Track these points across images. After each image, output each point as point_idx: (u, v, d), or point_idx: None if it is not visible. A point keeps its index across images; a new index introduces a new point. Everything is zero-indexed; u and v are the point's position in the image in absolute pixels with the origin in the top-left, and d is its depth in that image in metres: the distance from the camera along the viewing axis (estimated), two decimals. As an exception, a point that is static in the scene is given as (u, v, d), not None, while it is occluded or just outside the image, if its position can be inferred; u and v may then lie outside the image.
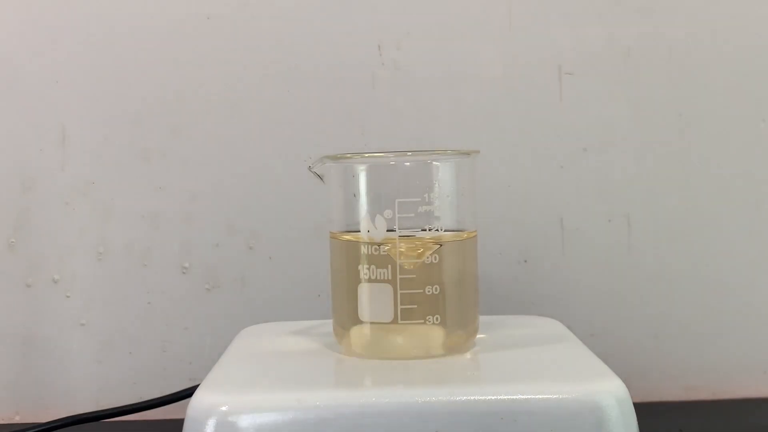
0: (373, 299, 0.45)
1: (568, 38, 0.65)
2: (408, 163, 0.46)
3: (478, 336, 0.48)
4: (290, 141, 0.65)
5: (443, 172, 0.46)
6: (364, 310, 0.45)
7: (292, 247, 0.65)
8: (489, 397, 0.39)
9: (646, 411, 0.43)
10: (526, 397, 0.39)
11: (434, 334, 0.45)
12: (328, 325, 0.49)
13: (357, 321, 0.45)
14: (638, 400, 0.42)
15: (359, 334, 0.46)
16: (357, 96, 0.65)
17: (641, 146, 0.66)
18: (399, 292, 0.44)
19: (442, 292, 0.45)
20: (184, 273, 0.65)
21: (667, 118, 0.66)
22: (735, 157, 0.66)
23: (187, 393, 0.54)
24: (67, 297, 0.65)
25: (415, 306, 0.44)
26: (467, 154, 0.47)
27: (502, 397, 0.39)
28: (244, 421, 0.39)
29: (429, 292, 0.45)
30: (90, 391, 0.65)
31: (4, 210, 0.64)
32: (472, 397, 0.39)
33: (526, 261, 0.66)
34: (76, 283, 0.65)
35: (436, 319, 0.45)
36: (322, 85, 0.65)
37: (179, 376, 0.64)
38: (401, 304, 0.44)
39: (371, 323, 0.45)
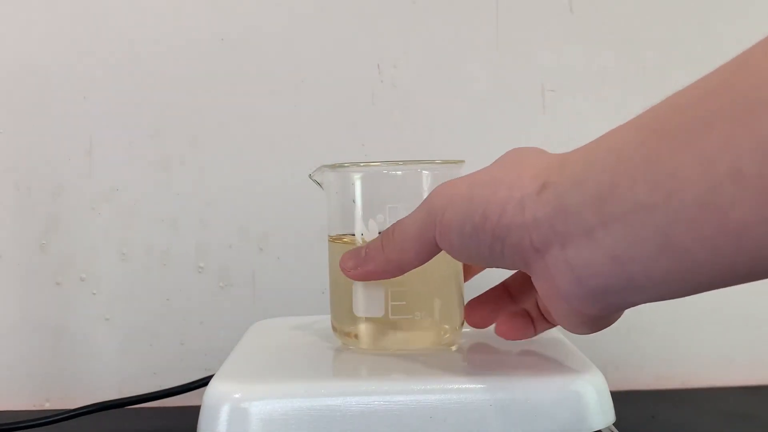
0: (366, 297, 0.44)
1: (550, 59, 0.65)
2: (399, 172, 0.46)
3: (464, 330, 0.47)
4: (297, 152, 0.65)
5: (432, 181, 0.45)
6: (359, 307, 0.45)
7: (298, 248, 0.65)
8: (479, 386, 0.39)
9: (621, 399, 0.43)
10: (514, 385, 0.39)
11: (422, 329, 0.45)
12: (330, 319, 0.48)
13: (353, 317, 0.45)
14: (614, 388, 0.42)
15: (355, 329, 0.45)
16: (358, 110, 0.65)
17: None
18: (390, 290, 0.44)
19: (429, 289, 0.44)
20: (200, 272, 0.65)
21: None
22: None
23: (203, 382, 0.54)
24: (93, 294, 0.65)
25: (405, 303, 0.44)
26: (454, 163, 0.46)
27: (491, 385, 0.39)
28: (255, 407, 0.38)
29: (417, 289, 0.44)
30: (114, 380, 0.65)
31: (36, 214, 0.64)
32: (464, 386, 0.39)
33: (512, 261, 0.66)
34: (102, 282, 0.65)
35: (424, 314, 0.44)
36: (326, 101, 0.65)
37: (196, 366, 0.64)
38: (392, 301, 0.44)
39: (365, 319, 0.45)
